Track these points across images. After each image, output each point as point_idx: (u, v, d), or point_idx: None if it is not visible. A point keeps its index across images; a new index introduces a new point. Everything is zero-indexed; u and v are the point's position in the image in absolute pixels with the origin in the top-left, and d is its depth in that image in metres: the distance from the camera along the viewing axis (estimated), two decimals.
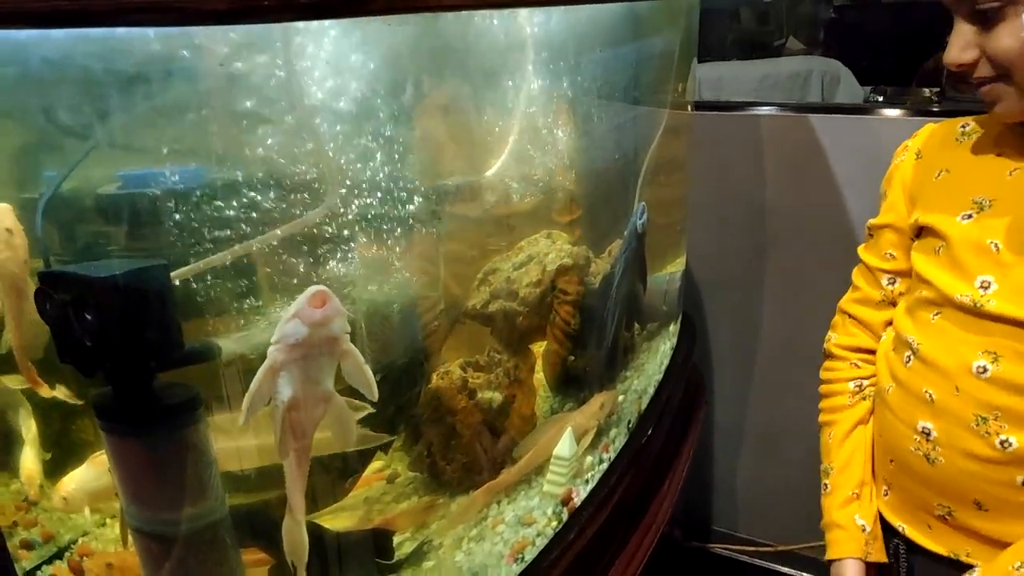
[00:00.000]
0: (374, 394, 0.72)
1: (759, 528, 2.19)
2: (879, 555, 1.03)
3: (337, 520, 1.09)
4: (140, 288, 0.67)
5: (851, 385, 1.08)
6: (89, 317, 0.66)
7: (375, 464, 1.20)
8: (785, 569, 2.09)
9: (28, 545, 0.94)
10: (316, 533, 0.90)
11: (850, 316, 1.09)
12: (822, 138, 1.77)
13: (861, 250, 1.09)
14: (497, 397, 1.08)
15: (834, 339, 1.11)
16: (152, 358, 0.70)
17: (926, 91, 2.57)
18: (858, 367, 1.08)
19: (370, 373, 0.72)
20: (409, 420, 1.12)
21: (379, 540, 0.93)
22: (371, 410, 1.02)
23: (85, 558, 0.90)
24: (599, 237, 1.27)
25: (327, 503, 1.07)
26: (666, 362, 1.50)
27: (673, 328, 1.58)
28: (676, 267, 1.61)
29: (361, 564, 0.92)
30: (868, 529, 1.03)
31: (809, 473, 2.11)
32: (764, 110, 1.86)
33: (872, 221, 1.06)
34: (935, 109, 2.00)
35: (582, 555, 1.09)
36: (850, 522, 1.03)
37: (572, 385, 1.31)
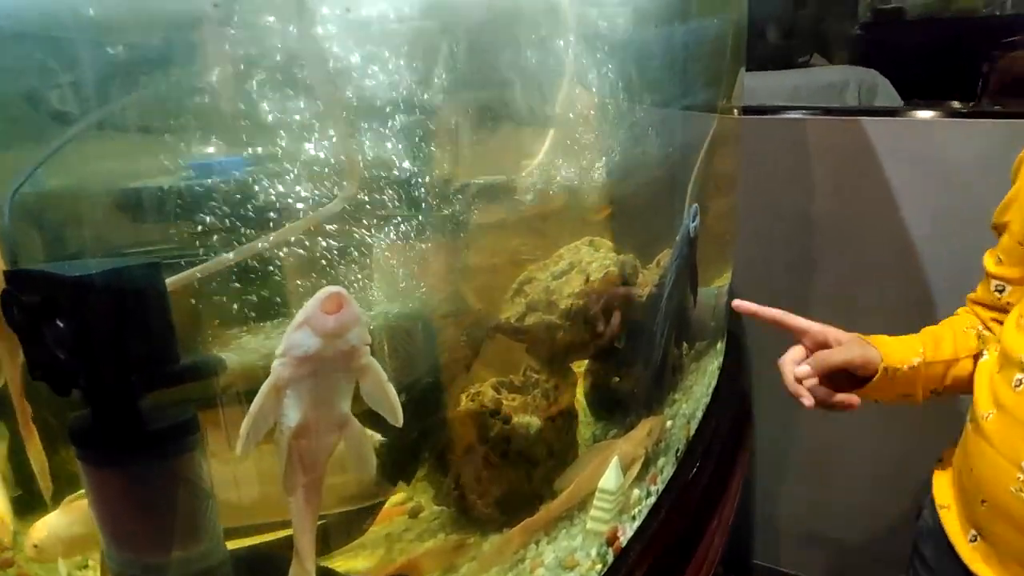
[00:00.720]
0: (398, 418, 0.61)
1: (804, 562, 2.03)
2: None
3: (354, 561, 0.97)
4: (122, 290, 0.56)
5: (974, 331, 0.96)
6: (61, 324, 0.55)
7: (397, 496, 1.08)
8: None
9: None
10: None
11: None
12: (869, 142, 1.65)
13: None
14: (535, 422, 0.96)
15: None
16: (137, 373, 0.59)
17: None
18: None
19: (394, 393, 0.60)
20: (434, 447, 1.00)
21: None
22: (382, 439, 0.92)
23: None
24: (647, 245, 1.15)
25: (341, 542, 0.95)
26: (714, 383, 1.37)
27: (720, 346, 1.45)
28: (723, 280, 1.49)
29: None
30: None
31: (860, 503, 1.98)
32: (806, 114, 1.74)
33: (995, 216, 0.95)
34: (998, 109, 1.86)
35: None
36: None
37: (616, 409, 1.18)
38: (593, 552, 0.95)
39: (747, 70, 2.66)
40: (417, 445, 0.99)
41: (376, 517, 1.01)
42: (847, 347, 0.91)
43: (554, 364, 1.01)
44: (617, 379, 1.13)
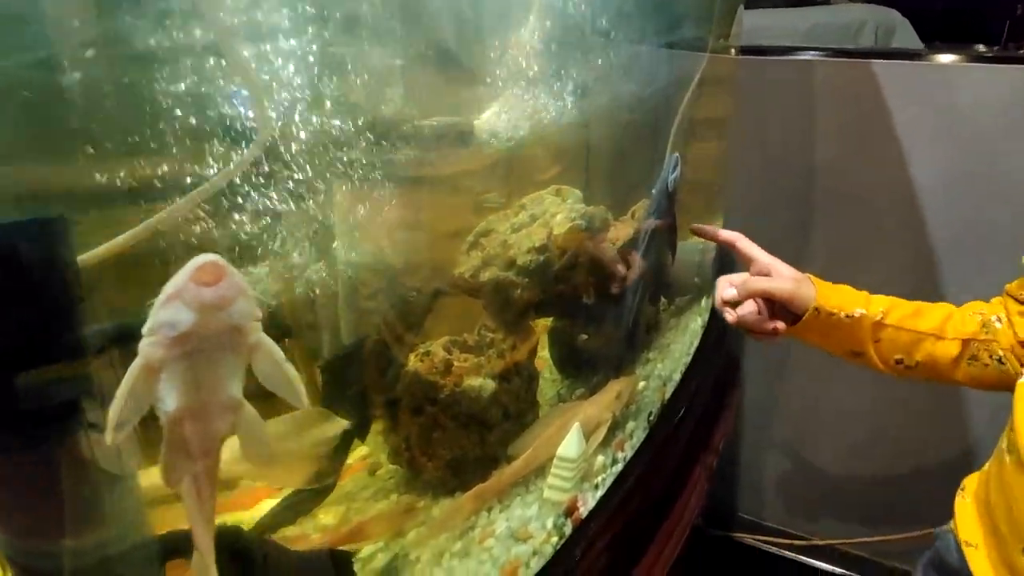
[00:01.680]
0: (301, 401, 0.54)
1: (786, 518, 2.00)
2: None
3: (316, 519, 0.93)
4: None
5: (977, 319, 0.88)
6: None
7: (359, 451, 1.03)
8: (816, 563, 1.91)
9: None
10: (268, 554, 0.73)
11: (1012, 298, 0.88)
12: (881, 88, 1.52)
13: None
14: (488, 385, 0.90)
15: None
16: (15, 343, 0.53)
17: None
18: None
19: (294, 374, 0.53)
20: (385, 405, 0.94)
21: (338, 565, 0.76)
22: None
23: None
24: (622, 194, 1.06)
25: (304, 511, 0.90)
26: (696, 342, 1.30)
27: (705, 303, 1.37)
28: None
29: None
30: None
31: (849, 465, 1.94)
32: (814, 55, 1.60)
33: None
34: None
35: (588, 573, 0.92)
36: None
37: (584, 368, 1.12)
38: (549, 523, 0.90)
39: (759, 7, 2.49)
40: (366, 403, 0.94)
41: (336, 481, 0.96)
42: (779, 279, 0.86)
43: (512, 323, 0.94)
44: (584, 337, 1.06)
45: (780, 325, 0.87)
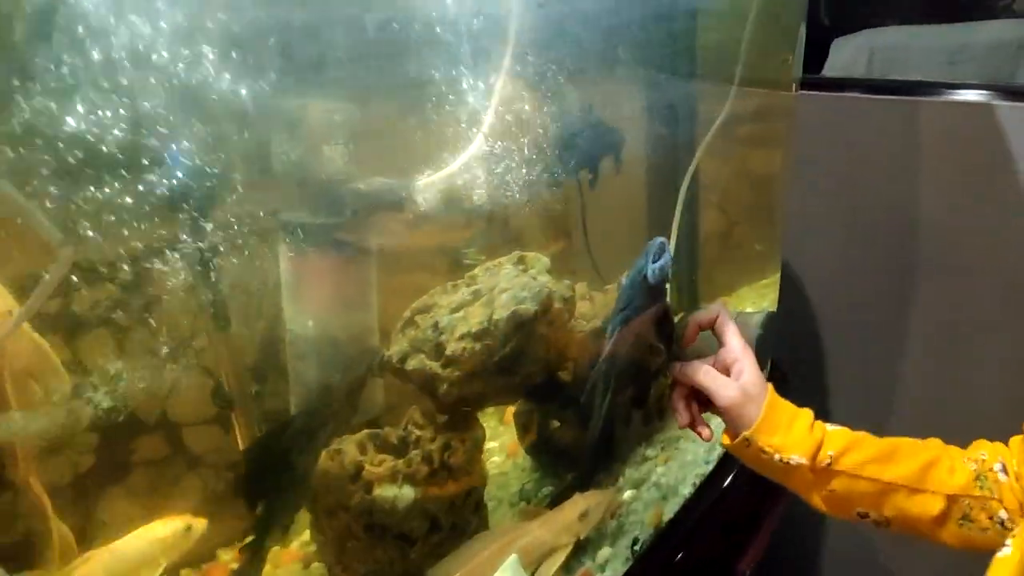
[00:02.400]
0: None
1: None
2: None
3: None
4: None
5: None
6: None
7: (303, 536, 0.93)
8: None
9: None
10: None
11: None
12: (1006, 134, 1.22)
13: None
14: (406, 493, 0.75)
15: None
16: None
17: None
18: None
19: None
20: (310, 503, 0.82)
21: None
22: None
23: None
24: (607, 265, 0.89)
25: None
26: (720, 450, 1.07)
27: None
28: (757, 291, 1.17)
29: None
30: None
31: None
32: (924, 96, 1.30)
33: None
34: None
35: None
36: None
37: (556, 458, 0.95)
38: None
39: (903, 22, 2.14)
40: (285, 498, 0.82)
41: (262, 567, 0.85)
42: (726, 383, 0.70)
43: (445, 419, 0.79)
44: (556, 424, 0.89)
45: (706, 432, 0.74)
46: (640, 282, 0.73)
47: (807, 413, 0.72)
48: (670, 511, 0.94)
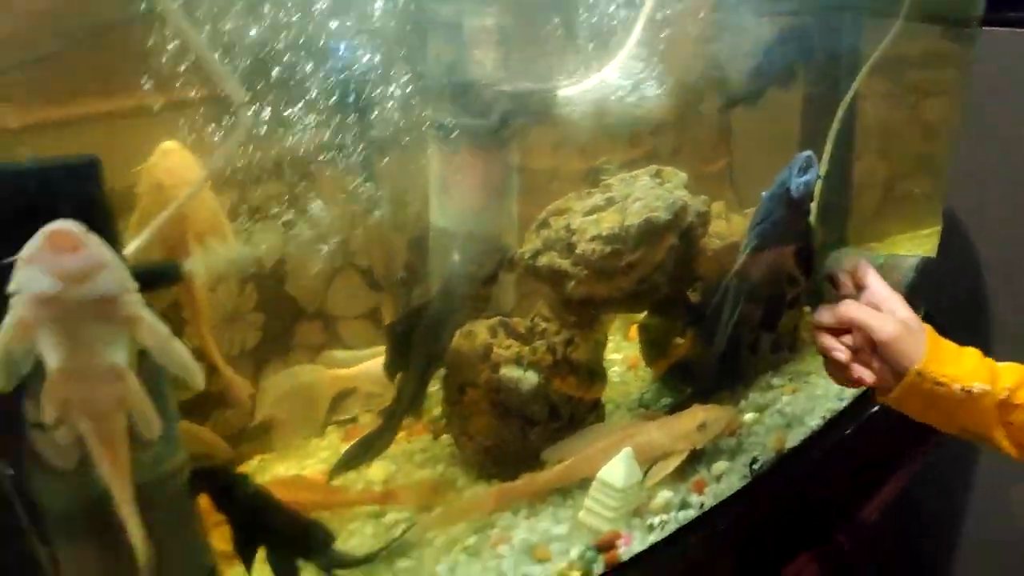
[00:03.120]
0: (196, 381, 0.52)
1: None
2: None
3: (369, 472, 0.94)
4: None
5: None
6: None
7: (435, 411, 1.02)
8: None
9: None
10: (262, 510, 0.74)
11: None
12: None
13: None
14: (529, 377, 0.80)
15: None
16: None
17: None
18: None
19: (182, 350, 0.51)
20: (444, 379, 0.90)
21: (315, 537, 0.75)
22: None
23: None
24: (748, 192, 0.86)
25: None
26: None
27: None
28: (907, 248, 1.08)
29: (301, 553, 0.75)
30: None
31: None
32: None
33: None
34: None
35: None
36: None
37: (678, 374, 0.95)
38: (574, 552, 0.78)
39: None
40: (423, 374, 0.90)
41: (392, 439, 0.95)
42: (883, 316, 0.66)
43: (571, 315, 0.82)
44: (679, 341, 0.90)
45: (866, 376, 0.68)
46: (782, 195, 0.71)
47: (972, 349, 0.68)
48: (794, 439, 0.93)
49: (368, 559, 0.79)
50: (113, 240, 0.52)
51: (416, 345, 0.87)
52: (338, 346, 1.00)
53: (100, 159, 0.54)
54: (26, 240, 0.46)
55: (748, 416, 0.92)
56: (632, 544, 0.81)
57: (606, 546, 0.80)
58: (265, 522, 0.73)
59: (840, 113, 0.79)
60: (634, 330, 1.05)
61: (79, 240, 0.45)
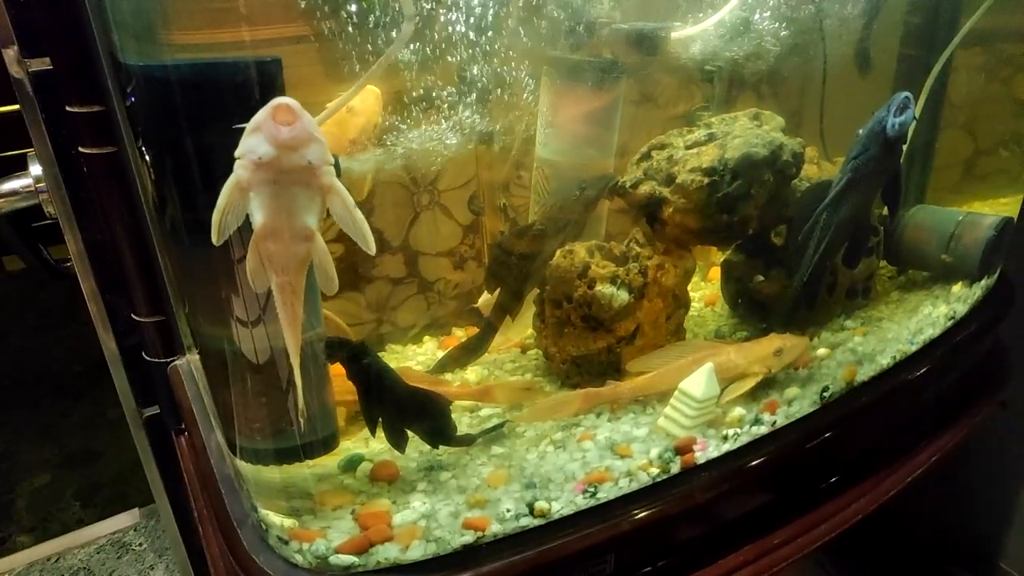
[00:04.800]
0: (369, 245, 0.62)
1: None
2: None
3: (464, 373, 1.06)
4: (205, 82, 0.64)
5: None
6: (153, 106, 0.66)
7: (527, 330, 1.12)
8: None
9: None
10: (384, 379, 0.85)
11: None
12: None
13: None
14: (621, 295, 0.88)
15: None
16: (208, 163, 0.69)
17: None
18: None
19: (361, 219, 0.61)
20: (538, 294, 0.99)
21: (438, 407, 0.85)
22: None
23: None
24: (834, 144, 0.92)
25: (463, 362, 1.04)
26: (932, 332, 1.08)
27: (961, 290, 1.12)
28: (993, 208, 1.12)
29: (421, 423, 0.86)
30: None
31: None
32: None
33: None
34: None
35: (672, 525, 0.87)
36: None
37: (755, 311, 1.02)
38: (654, 452, 0.88)
39: None
40: (521, 287, 0.99)
41: (487, 347, 1.06)
42: None
43: (664, 243, 0.90)
44: (760, 279, 0.96)
45: None
46: (878, 133, 0.76)
47: None
48: (864, 375, 0.99)
49: (469, 440, 0.89)
50: None
51: (513, 262, 0.97)
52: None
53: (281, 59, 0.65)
54: (234, 114, 0.58)
55: (820, 351, 0.99)
56: (707, 450, 0.89)
57: (683, 449, 0.88)
58: (385, 389, 0.84)
59: (930, 79, 0.84)
60: (713, 271, 1.13)
61: (296, 114, 0.55)
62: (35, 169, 1.19)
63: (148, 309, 1.10)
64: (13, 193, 1.27)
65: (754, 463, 0.90)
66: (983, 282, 1.11)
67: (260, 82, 0.64)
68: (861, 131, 0.79)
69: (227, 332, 0.74)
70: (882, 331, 1.04)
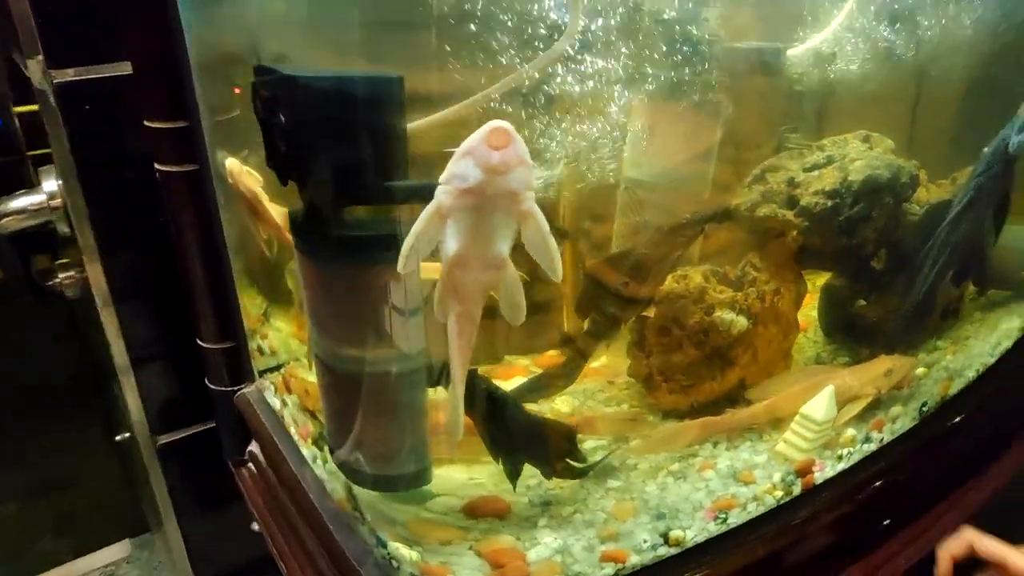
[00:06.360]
0: (557, 273, 0.59)
1: None
2: None
3: (550, 404, 1.02)
4: (332, 95, 0.60)
5: None
6: (283, 119, 0.62)
7: (602, 359, 1.09)
8: None
9: (260, 351, 1.04)
10: (508, 403, 0.82)
11: None
12: None
13: None
14: (740, 321, 0.87)
15: None
16: (346, 181, 0.65)
17: None
18: None
19: (555, 246, 0.58)
20: (637, 321, 0.97)
21: (566, 436, 0.83)
22: None
23: (293, 378, 0.96)
24: (947, 156, 0.93)
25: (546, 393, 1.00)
26: (1006, 344, 1.11)
27: None
28: None
29: (545, 452, 0.83)
30: None
31: None
32: None
33: None
34: None
35: (804, 541, 0.87)
36: None
37: (856, 336, 1.03)
38: (776, 476, 0.87)
39: None
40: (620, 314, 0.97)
41: (578, 375, 1.03)
42: None
43: (781, 267, 0.90)
44: (863, 303, 0.97)
45: None
46: (1002, 151, 0.78)
47: None
48: (955, 388, 1.01)
49: (583, 472, 0.86)
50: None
51: (604, 293, 0.95)
52: None
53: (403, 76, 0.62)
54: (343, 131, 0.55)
55: (919, 371, 1.00)
56: (825, 470, 0.89)
57: (803, 472, 0.88)
58: (507, 418, 0.81)
59: None
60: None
61: (511, 138, 0.53)
62: (49, 185, 1.13)
63: (218, 335, 1.04)
64: (21, 211, 1.20)
65: (866, 480, 0.91)
66: None
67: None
68: (986, 149, 0.80)
69: (368, 354, 0.71)
70: (967, 347, 1.06)
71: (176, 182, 0.94)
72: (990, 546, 0.73)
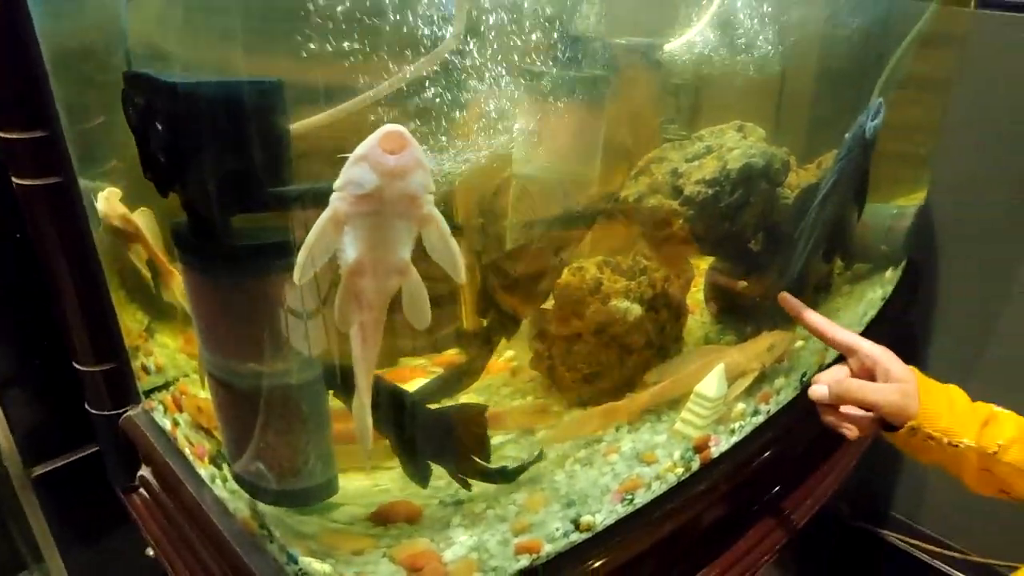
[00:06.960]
0: (459, 274, 0.59)
1: (947, 527, 1.83)
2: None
3: (457, 402, 1.02)
4: (216, 103, 0.58)
5: None
6: (160, 128, 0.58)
7: (507, 353, 1.10)
8: None
9: (145, 369, 0.98)
10: (413, 403, 0.81)
11: None
12: None
13: None
14: (635, 309, 0.91)
15: None
16: (231, 189, 0.62)
17: None
18: None
19: (456, 248, 0.58)
20: (535, 315, 0.99)
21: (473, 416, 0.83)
22: None
23: (184, 395, 0.91)
24: (810, 142, 1.00)
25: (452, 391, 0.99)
26: (871, 313, 1.22)
27: (891, 274, 1.27)
28: (910, 200, 1.28)
29: (451, 452, 0.83)
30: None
31: None
32: None
33: None
34: None
35: (704, 513, 0.92)
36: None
37: (739, 315, 1.09)
38: (676, 454, 0.91)
39: None
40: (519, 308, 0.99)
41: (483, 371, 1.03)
42: (884, 389, 0.74)
43: (669, 255, 0.94)
44: (744, 284, 1.03)
45: (852, 432, 0.77)
46: (860, 136, 0.85)
47: (958, 390, 0.75)
48: (830, 358, 1.09)
49: (511, 475, 0.86)
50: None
51: (510, 283, 0.96)
52: None
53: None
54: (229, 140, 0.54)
55: (798, 344, 1.07)
56: (720, 444, 0.95)
57: (700, 447, 0.93)
58: (405, 414, 0.80)
59: (882, 77, 0.94)
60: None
61: (406, 141, 0.52)
62: None
63: (96, 357, 0.97)
64: None
65: (758, 449, 0.98)
66: (903, 263, 1.28)
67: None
68: (847, 135, 0.87)
69: (265, 368, 0.68)
70: (839, 319, 1.15)
71: (37, 196, 0.87)
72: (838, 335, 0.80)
